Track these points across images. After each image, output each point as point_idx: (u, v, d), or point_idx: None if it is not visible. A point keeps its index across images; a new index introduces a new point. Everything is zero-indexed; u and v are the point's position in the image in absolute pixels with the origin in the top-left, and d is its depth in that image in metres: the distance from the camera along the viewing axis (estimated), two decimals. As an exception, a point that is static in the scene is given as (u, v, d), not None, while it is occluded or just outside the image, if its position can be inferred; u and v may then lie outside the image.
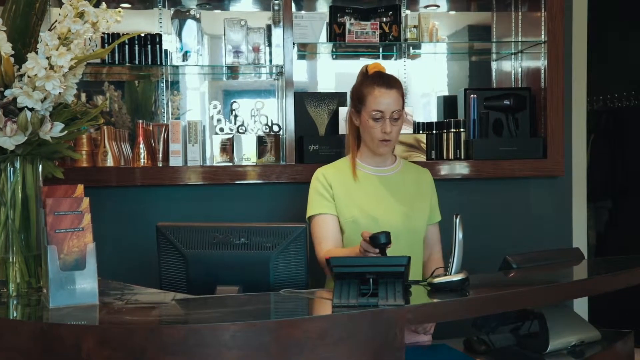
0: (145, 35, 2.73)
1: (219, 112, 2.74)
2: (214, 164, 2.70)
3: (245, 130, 2.74)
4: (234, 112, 2.78)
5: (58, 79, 1.56)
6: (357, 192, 2.11)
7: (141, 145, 2.65)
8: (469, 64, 3.28)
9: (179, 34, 2.81)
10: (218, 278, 1.67)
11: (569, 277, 1.92)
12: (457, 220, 1.59)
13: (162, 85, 2.99)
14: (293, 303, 1.55)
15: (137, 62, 2.72)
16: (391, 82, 2.09)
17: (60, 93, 1.60)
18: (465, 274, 1.59)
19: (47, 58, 1.56)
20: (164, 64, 2.77)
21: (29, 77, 1.56)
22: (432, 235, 2.24)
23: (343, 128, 2.70)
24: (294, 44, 2.69)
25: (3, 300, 1.57)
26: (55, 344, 1.32)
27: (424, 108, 3.24)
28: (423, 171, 2.27)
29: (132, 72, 2.94)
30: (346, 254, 1.97)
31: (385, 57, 3.17)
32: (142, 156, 2.65)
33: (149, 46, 2.71)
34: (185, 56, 2.80)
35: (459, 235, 1.59)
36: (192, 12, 2.83)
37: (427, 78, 3.23)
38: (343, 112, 2.71)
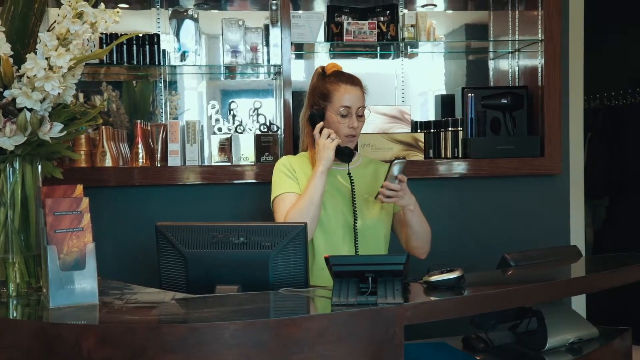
0: (143, 35, 2.73)
1: (217, 112, 2.75)
2: (213, 164, 2.71)
3: (244, 130, 2.74)
4: (232, 112, 2.78)
5: (57, 80, 1.56)
6: None
7: (139, 145, 2.65)
8: (466, 63, 3.29)
9: (177, 34, 2.82)
10: (217, 277, 1.67)
11: (567, 275, 1.92)
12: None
13: (160, 85, 2.99)
14: (292, 302, 1.56)
15: (135, 62, 2.72)
16: (354, 80, 2.13)
17: (59, 93, 1.60)
18: (461, 271, 1.59)
19: (46, 59, 1.56)
20: (162, 64, 2.77)
21: (28, 77, 1.56)
22: None
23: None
24: (291, 43, 2.70)
25: (3, 301, 1.58)
26: (56, 343, 1.33)
27: (421, 107, 3.25)
28: (384, 165, 2.27)
29: (130, 72, 2.94)
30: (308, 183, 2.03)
31: (382, 57, 3.18)
32: (140, 156, 2.65)
33: (147, 46, 2.72)
34: (183, 56, 2.81)
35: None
36: (189, 12, 2.83)
37: (424, 77, 3.24)
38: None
